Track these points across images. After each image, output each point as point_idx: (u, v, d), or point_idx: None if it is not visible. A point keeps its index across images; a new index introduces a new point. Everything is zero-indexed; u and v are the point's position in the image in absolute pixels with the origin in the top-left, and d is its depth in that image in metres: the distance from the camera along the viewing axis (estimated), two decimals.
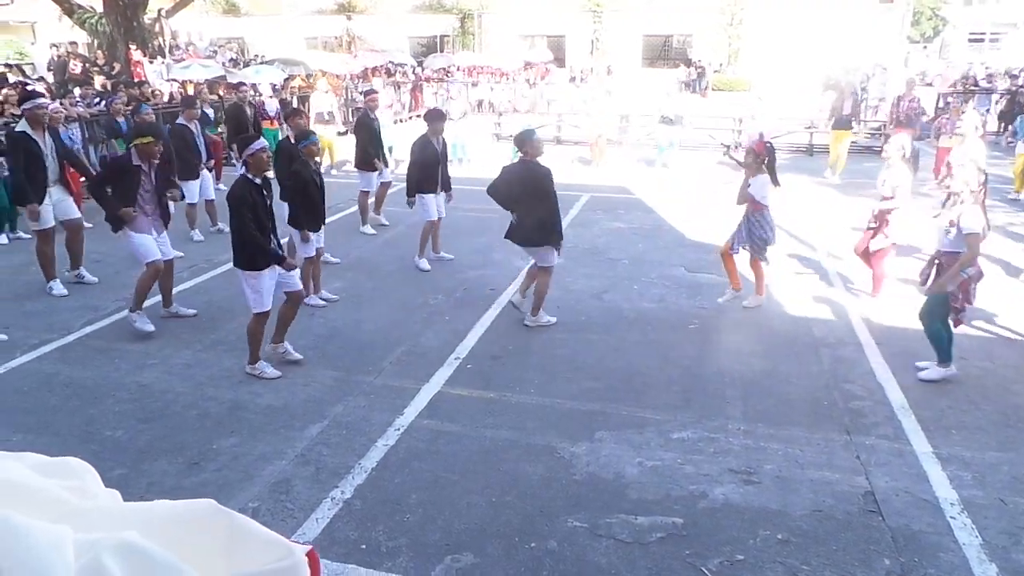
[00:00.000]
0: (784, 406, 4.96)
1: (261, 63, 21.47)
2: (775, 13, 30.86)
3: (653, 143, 16.62)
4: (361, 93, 19.59)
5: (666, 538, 3.63)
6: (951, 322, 5.24)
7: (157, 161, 6.08)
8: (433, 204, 7.85)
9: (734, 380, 5.35)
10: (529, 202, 6.03)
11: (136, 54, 18.00)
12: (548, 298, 6.41)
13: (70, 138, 9.23)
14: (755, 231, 6.53)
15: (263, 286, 5.22)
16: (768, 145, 6.56)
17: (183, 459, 4.32)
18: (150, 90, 15.27)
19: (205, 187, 9.05)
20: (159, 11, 21.38)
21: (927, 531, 3.69)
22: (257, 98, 13.22)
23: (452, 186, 8.13)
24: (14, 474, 0.65)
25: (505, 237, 6.36)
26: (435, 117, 7.93)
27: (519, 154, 6.29)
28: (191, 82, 16.87)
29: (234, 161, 10.46)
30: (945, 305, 5.17)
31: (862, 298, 7.00)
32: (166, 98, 15.27)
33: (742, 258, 6.79)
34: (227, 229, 9.20)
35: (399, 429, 4.63)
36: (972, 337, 6.06)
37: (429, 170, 7.75)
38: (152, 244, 6.07)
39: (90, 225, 9.27)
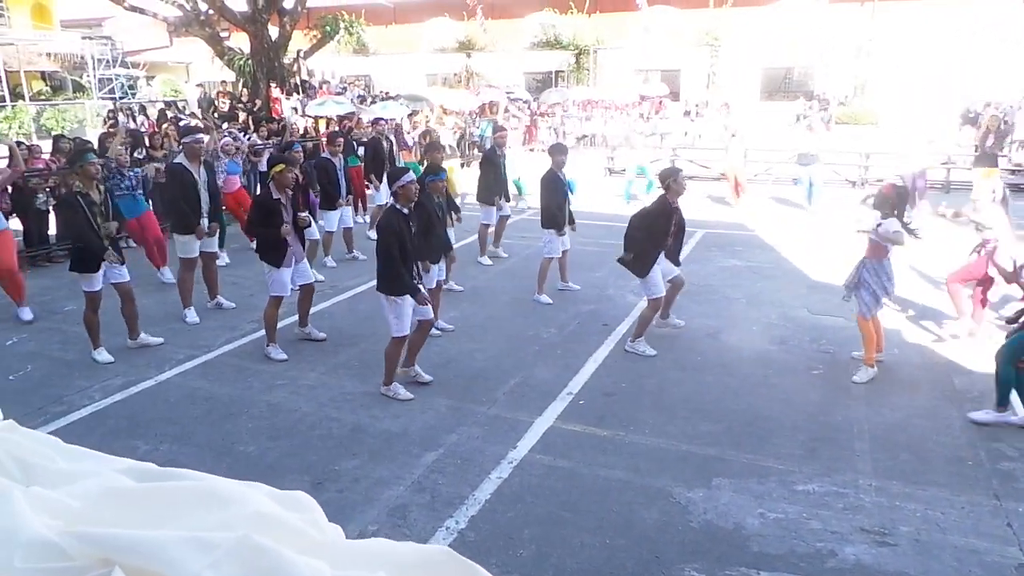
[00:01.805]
0: (921, 463, 4.61)
1: (386, 99, 22.63)
2: (906, 43, 29.30)
3: (772, 179, 16.10)
4: (477, 127, 20.24)
5: None
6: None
7: (291, 191, 6.48)
8: (558, 240, 7.95)
9: (863, 432, 5.03)
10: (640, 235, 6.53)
11: (275, 91, 19.44)
12: (661, 334, 6.34)
13: (225, 171, 9.95)
14: (867, 278, 5.80)
15: (404, 311, 5.46)
16: (898, 188, 5.99)
17: (308, 478, 4.53)
18: (281, 124, 16.42)
19: (344, 216, 9.62)
20: (297, 52, 23.03)
21: None
22: (404, 133, 14.00)
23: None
24: (265, 507, 0.71)
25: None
26: (558, 151, 8.07)
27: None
28: (323, 118, 18.00)
29: (372, 190, 11.10)
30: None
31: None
32: (300, 132, 16.35)
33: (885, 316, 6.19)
34: (361, 257, 9.78)
35: (512, 462, 4.66)
36: None
37: (557, 206, 7.87)
38: (287, 280, 6.46)
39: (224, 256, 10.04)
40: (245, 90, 20.27)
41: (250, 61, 19.97)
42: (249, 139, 12.36)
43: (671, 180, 6.47)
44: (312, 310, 7.62)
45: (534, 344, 6.74)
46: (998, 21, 28.65)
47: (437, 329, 6.97)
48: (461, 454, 4.78)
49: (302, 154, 8.55)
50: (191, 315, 7.55)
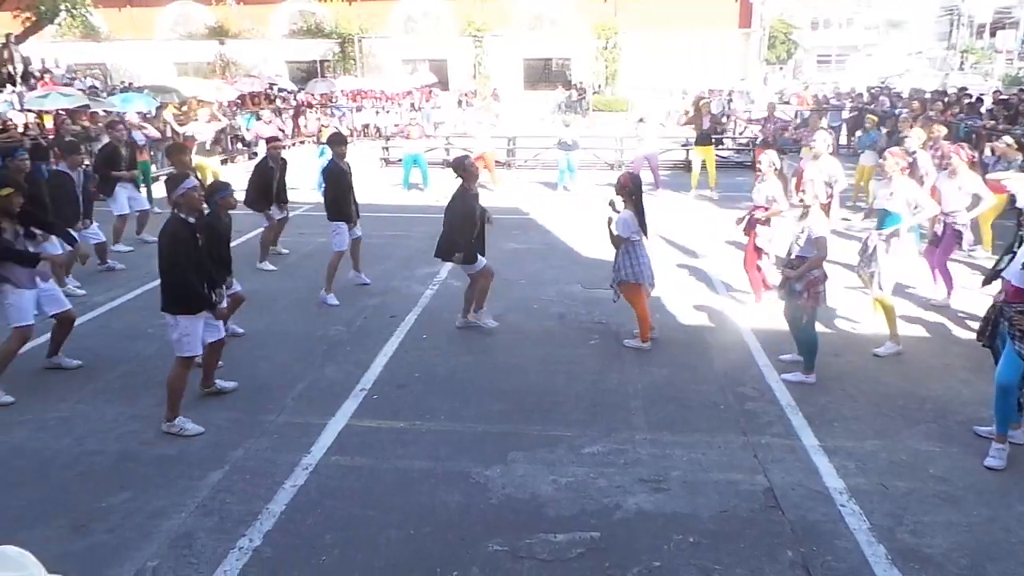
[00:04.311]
0: (685, 412, 5.18)
1: (128, 90, 20.33)
2: (647, 36, 32.50)
3: (541, 164, 17.03)
4: (225, 115, 18.87)
5: (585, 553, 3.70)
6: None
7: (18, 211, 5.42)
8: (346, 233, 7.65)
9: (637, 391, 5.53)
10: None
11: None
12: (445, 322, 6.62)
13: None
14: (621, 263, 6.22)
15: (195, 330, 4.88)
16: (633, 176, 6.40)
17: (67, 523, 3.96)
18: (1, 121, 14.12)
19: (96, 232, 8.41)
20: (7, 36, 19.85)
21: (822, 520, 3.95)
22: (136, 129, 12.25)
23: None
24: None
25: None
26: (338, 141, 7.77)
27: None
28: (48, 112, 15.72)
29: (105, 200, 9.72)
30: (804, 310, 5.57)
31: (747, 304, 7.44)
32: (20, 128, 14.15)
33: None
34: (119, 267, 8.63)
35: (307, 468, 4.46)
36: (843, 334, 6.59)
37: (343, 197, 7.58)
38: (29, 305, 5.44)
39: None
40: None
41: None
42: None
43: (461, 169, 6.57)
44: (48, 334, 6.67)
45: (321, 344, 6.50)
46: (717, 16, 32.83)
47: (232, 335, 6.51)
48: (250, 468, 4.47)
49: (27, 162, 7.09)
50: None
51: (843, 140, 19.37)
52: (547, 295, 7.83)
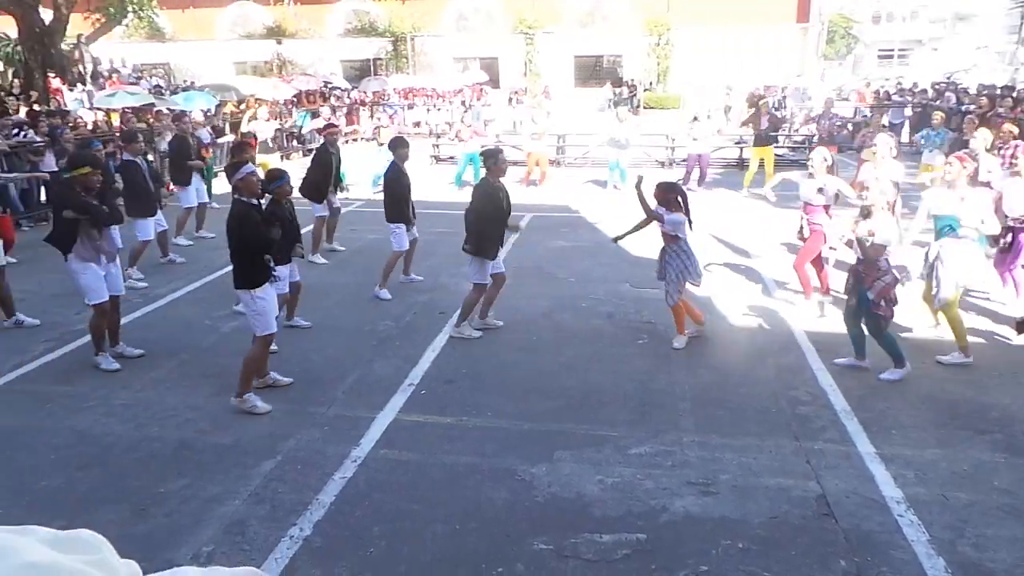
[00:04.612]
0: (735, 415, 5.08)
1: (190, 89, 20.98)
2: (701, 32, 31.95)
3: (591, 162, 16.93)
4: (294, 117, 19.33)
5: (631, 555, 3.66)
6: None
7: (97, 188, 5.86)
8: (405, 234, 7.81)
9: (685, 393, 5.45)
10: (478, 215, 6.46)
11: (55, 82, 17.33)
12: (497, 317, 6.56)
13: None
14: (671, 262, 6.22)
15: (269, 307, 5.15)
16: (664, 185, 6.37)
17: (128, 506, 4.12)
18: (72, 119, 14.71)
19: (160, 221, 8.74)
20: (78, 37, 20.67)
21: (878, 530, 3.83)
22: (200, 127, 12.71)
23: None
24: (34, 554, 0.60)
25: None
26: (399, 144, 7.89)
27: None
28: (116, 111, 16.34)
29: (176, 191, 10.12)
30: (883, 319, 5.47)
31: (797, 304, 7.26)
32: (90, 127, 14.73)
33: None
34: (179, 260, 8.98)
35: (356, 460, 4.54)
36: (904, 340, 6.36)
37: (403, 200, 7.72)
38: (100, 282, 5.85)
39: (14, 260, 8.84)
40: (17, 80, 17.88)
41: (19, 48, 17.62)
42: (25, 135, 10.92)
43: (491, 160, 6.58)
44: (122, 321, 6.94)
45: (371, 338, 6.60)
46: (774, 11, 32.06)
47: (296, 327, 6.75)
48: (301, 459, 4.58)
49: (103, 152, 7.51)
50: None
51: (904, 138, 18.71)
52: (596, 293, 7.78)
